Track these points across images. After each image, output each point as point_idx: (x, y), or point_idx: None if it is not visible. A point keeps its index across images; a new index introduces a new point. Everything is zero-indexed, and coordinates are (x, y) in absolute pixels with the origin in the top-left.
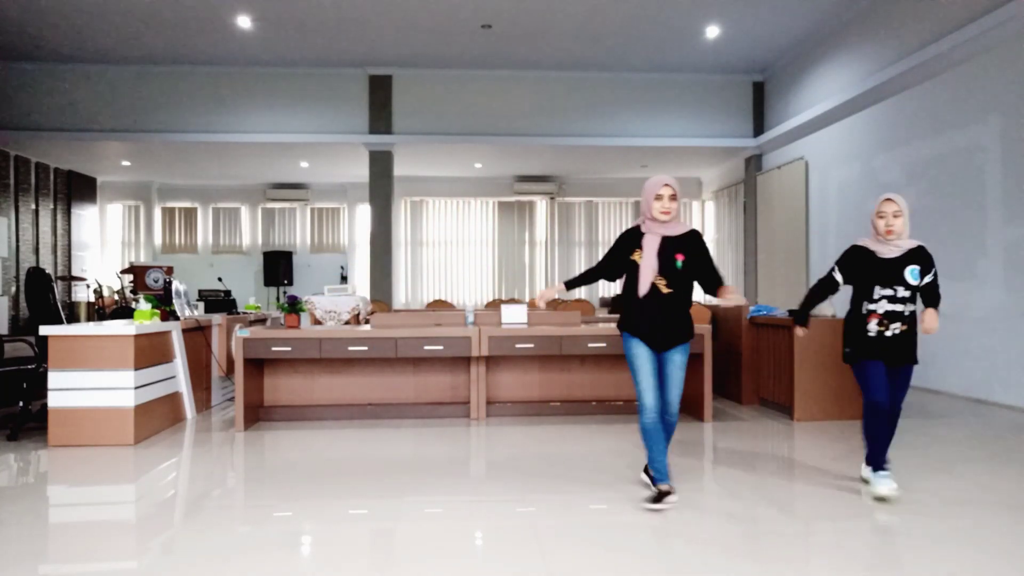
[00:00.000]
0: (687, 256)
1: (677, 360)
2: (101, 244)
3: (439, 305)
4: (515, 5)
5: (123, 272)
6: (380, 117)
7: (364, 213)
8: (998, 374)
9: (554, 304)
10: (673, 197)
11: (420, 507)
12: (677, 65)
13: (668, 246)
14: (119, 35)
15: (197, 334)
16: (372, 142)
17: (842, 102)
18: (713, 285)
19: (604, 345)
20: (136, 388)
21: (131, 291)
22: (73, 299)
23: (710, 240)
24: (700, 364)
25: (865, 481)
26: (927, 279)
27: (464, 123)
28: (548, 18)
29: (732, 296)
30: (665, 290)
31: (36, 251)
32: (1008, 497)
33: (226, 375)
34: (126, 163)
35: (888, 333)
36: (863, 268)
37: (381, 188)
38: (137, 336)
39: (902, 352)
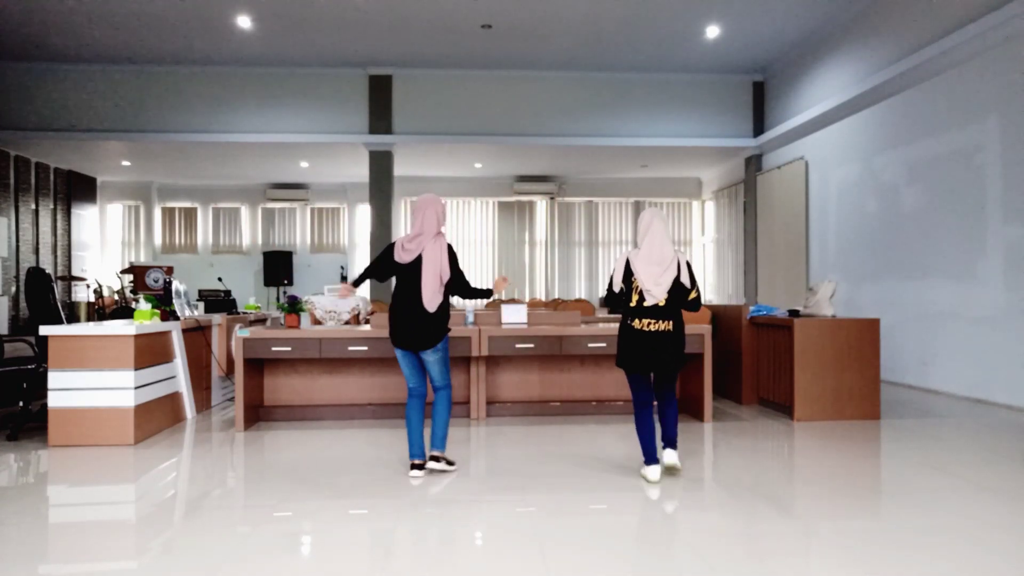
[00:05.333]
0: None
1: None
2: (101, 244)
3: None
4: (515, 5)
5: (123, 272)
6: (380, 117)
7: (364, 213)
8: (998, 374)
9: (554, 304)
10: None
11: (420, 507)
12: (677, 65)
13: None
14: (119, 35)
15: (197, 334)
16: (372, 142)
17: (842, 102)
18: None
19: (604, 345)
20: (136, 388)
21: (131, 291)
22: (73, 299)
23: (710, 240)
24: (700, 364)
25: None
26: None
27: (464, 123)
28: (548, 18)
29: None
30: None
31: (36, 251)
32: (1008, 497)
33: (226, 375)
34: (126, 163)
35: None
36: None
37: (381, 188)
38: (137, 336)
39: None
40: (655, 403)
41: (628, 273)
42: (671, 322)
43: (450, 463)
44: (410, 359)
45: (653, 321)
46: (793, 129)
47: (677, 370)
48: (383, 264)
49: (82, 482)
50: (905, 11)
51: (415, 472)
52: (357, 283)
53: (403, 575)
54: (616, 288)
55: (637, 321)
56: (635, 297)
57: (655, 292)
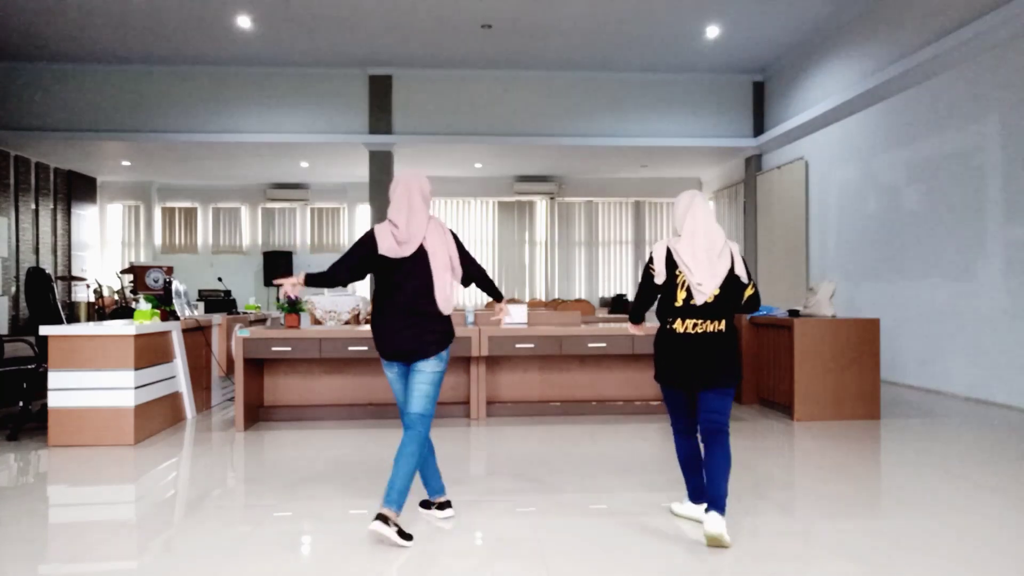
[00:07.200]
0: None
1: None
2: (101, 244)
3: None
4: (515, 5)
5: (123, 272)
6: (380, 117)
7: (364, 213)
8: (998, 374)
9: (554, 304)
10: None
11: (419, 507)
12: (677, 65)
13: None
14: (119, 35)
15: (197, 334)
16: (372, 142)
17: (842, 102)
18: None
19: (604, 345)
20: (136, 388)
21: (131, 291)
22: (73, 299)
23: None
24: None
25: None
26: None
27: (464, 123)
28: (548, 18)
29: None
30: None
31: (36, 251)
32: (1008, 496)
33: (226, 375)
34: (126, 163)
35: None
36: None
37: (381, 188)
38: (137, 336)
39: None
40: (699, 436)
41: (671, 265)
42: (723, 322)
43: (405, 536)
44: (403, 377)
45: (701, 322)
46: (793, 129)
47: (730, 385)
48: (359, 259)
49: (82, 482)
50: (905, 11)
51: (448, 512)
52: (313, 282)
53: (403, 575)
54: (660, 280)
55: (680, 323)
56: (681, 295)
57: (707, 286)
